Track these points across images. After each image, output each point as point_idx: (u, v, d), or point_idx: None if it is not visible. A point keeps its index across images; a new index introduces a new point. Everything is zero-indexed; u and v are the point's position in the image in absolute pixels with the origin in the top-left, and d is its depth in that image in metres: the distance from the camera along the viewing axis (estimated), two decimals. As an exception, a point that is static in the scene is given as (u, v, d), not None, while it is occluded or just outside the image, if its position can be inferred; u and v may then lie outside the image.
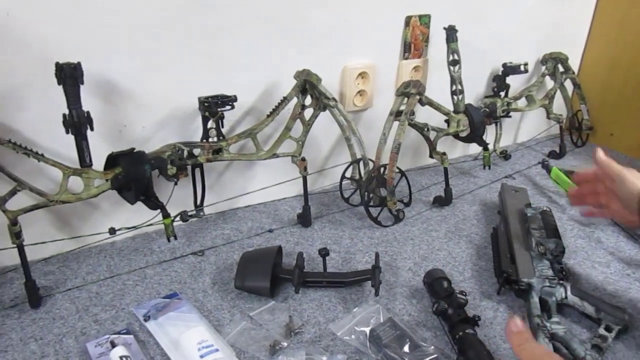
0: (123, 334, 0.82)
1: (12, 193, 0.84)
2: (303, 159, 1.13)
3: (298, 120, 1.11)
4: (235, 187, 1.22)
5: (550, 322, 0.82)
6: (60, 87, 0.82)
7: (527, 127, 1.71)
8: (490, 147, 1.46)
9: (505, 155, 1.53)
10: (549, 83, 1.60)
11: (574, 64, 1.67)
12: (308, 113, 1.12)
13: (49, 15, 0.88)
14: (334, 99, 1.11)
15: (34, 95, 0.91)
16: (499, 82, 1.47)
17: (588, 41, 1.70)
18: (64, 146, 0.92)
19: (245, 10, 1.06)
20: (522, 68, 1.46)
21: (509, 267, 0.95)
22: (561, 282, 0.89)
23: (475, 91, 1.52)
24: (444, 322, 0.83)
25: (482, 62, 1.48)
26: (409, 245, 1.10)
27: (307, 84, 1.09)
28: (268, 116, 1.09)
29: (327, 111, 1.13)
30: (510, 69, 1.46)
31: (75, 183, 0.89)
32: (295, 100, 1.10)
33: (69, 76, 0.82)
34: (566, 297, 0.88)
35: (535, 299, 0.87)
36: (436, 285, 0.89)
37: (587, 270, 1.02)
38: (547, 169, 1.37)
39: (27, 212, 0.86)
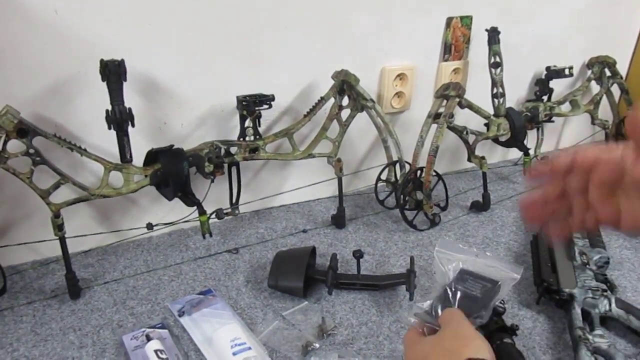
0: (158, 328, 0.83)
1: (56, 186, 0.87)
2: (339, 160, 1.12)
3: (335, 120, 1.10)
4: (270, 187, 1.23)
5: (593, 335, 0.79)
6: (104, 83, 0.84)
7: (570, 133, 1.66)
8: (531, 152, 1.42)
9: (546, 161, 1.49)
10: (595, 88, 1.54)
11: (622, 68, 1.61)
12: (345, 114, 1.11)
13: (95, 13, 0.90)
14: (371, 100, 1.10)
15: (79, 91, 0.94)
16: (541, 86, 1.43)
17: (638, 45, 1.63)
18: (106, 142, 0.94)
19: (285, 10, 1.06)
20: (566, 72, 1.42)
21: (549, 276, 0.91)
22: (605, 293, 0.86)
23: (517, 95, 1.48)
24: (481, 330, 0.81)
25: (524, 65, 1.44)
26: (444, 250, 1.07)
27: (345, 85, 1.08)
28: (305, 116, 1.08)
29: (365, 112, 1.12)
30: (554, 73, 1.41)
31: (116, 178, 0.91)
32: (332, 100, 1.09)
33: (113, 73, 0.83)
34: (610, 310, 0.84)
35: (577, 310, 0.83)
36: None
37: (633, 282, 0.97)
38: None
39: (69, 205, 0.88)
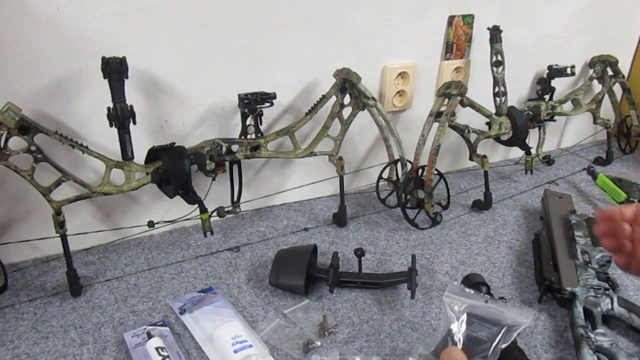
0: (159, 325, 0.83)
1: (57, 184, 0.87)
2: (340, 158, 1.12)
3: (336, 119, 1.10)
4: (271, 185, 1.23)
5: (595, 334, 0.79)
6: (106, 81, 0.84)
7: (572, 132, 1.66)
8: (533, 151, 1.42)
9: (548, 160, 1.48)
10: (597, 87, 1.54)
11: (624, 67, 1.61)
12: (347, 112, 1.11)
13: (97, 11, 0.90)
14: (373, 98, 1.09)
15: (80, 89, 0.93)
16: (543, 84, 1.43)
17: (640, 44, 1.63)
18: (107, 139, 0.94)
19: (287, 9, 1.06)
20: (568, 71, 1.42)
21: (551, 274, 0.91)
22: (607, 292, 0.86)
23: (518, 94, 1.48)
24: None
25: (526, 64, 1.44)
26: (446, 248, 1.07)
27: (346, 83, 1.08)
28: (306, 114, 1.08)
29: (366, 111, 1.12)
30: (556, 72, 1.41)
31: (117, 176, 0.91)
32: (334, 99, 1.09)
33: (115, 70, 0.83)
34: (612, 308, 0.84)
35: (579, 309, 0.83)
36: (474, 290, 0.86)
37: (635, 281, 0.97)
38: (594, 175, 1.32)
39: (70, 203, 0.88)
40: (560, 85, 1.47)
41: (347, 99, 1.11)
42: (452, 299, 0.77)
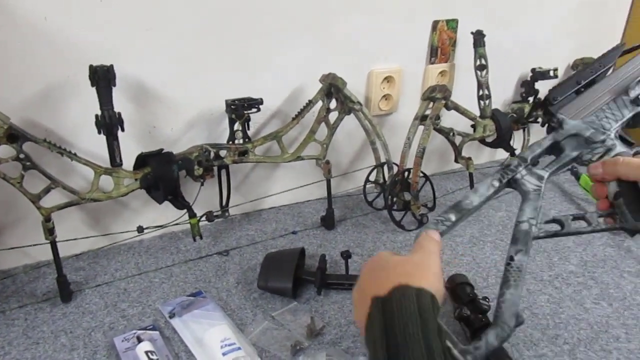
0: (149, 329, 0.84)
1: (47, 191, 0.87)
2: (327, 162, 1.14)
3: (323, 123, 1.12)
4: (260, 189, 1.24)
5: None
6: (94, 88, 0.85)
7: (556, 133, 1.68)
8: (518, 153, 1.44)
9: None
10: (580, 89, 1.57)
11: (606, 69, 1.64)
12: (333, 116, 1.13)
13: (85, 19, 0.91)
14: (358, 102, 1.11)
15: (69, 97, 0.94)
16: (527, 87, 1.45)
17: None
18: (96, 146, 0.95)
19: (273, 15, 1.08)
20: (551, 73, 1.44)
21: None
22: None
23: (503, 96, 1.50)
24: (466, 328, 0.83)
25: (510, 68, 1.46)
26: (432, 250, 1.09)
27: (332, 88, 1.10)
28: (293, 119, 1.10)
29: (352, 115, 1.14)
30: (540, 75, 1.44)
31: (106, 182, 0.92)
32: (320, 103, 1.11)
33: (102, 78, 0.85)
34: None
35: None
36: (459, 290, 0.88)
37: (615, 279, 0.99)
38: (576, 175, 1.35)
39: (60, 209, 0.89)
40: (544, 87, 1.49)
41: (333, 103, 1.13)
42: None
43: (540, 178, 0.61)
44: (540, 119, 1.45)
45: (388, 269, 0.52)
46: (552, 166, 0.62)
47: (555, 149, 0.64)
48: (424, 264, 0.53)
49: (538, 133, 1.61)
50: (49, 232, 0.89)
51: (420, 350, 0.43)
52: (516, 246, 0.58)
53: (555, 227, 0.59)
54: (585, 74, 0.67)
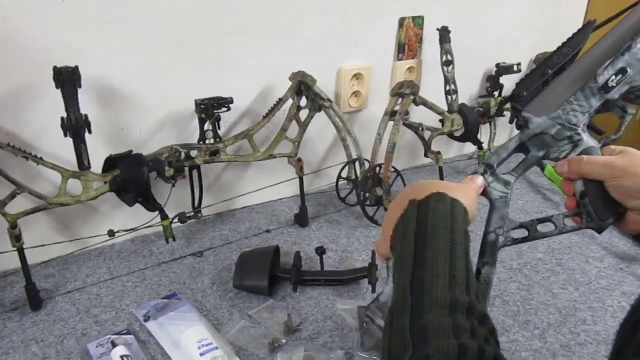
0: (123, 334, 0.83)
1: (12, 196, 0.85)
2: (299, 160, 1.14)
3: (294, 121, 1.12)
4: (232, 188, 1.23)
5: None
6: (59, 90, 0.84)
7: (521, 126, 1.72)
8: (485, 146, 1.47)
9: (499, 154, 1.54)
10: (542, 82, 1.61)
11: (567, 63, 1.68)
12: (304, 114, 1.13)
13: (47, 20, 0.89)
14: (328, 99, 1.12)
15: (33, 99, 0.92)
16: (492, 82, 1.49)
17: (580, 40, 1.71)
18: (63, 149, 0.93)
19: (241, 14, 1.07)
20: (515, 68, 1.48)
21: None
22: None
23: (469, 91, 1.53)
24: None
25: (475, 63, 1.50)
26: (405, 243, 1.11)
27: (302, 86, 1.10)
28: (264, 117, 1.10)
29: (323, 112, 1.15)
30: (504, 69, 1.47)
31: (74, 186, 0.90)
32: (290, 101, 1.11)
33: (67, 79, 0.83)
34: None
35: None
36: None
37: (581, 264, 1.03)
38: (541, 166, 1.38)
39: (26, 215, 0.87)
40: (509, 81, 1.52)
41: (303, 101, 1.13)
42: None
43: (506, 184, 0.60)
44: (505, 113, 1.48)
45: (429, 185, 0.54)
46: (518, 169, 0.61)
47: (523, 148, 0.61)
48: (463, 188, 0.56)
49: (504, 126, 1.66)
50: (16, 238, 0.87)
51: (446, 239, 0.46)
52: (483, 259, 0.58)
53: (523, 232, 0.60)
54: (553, 62, 0.64)
